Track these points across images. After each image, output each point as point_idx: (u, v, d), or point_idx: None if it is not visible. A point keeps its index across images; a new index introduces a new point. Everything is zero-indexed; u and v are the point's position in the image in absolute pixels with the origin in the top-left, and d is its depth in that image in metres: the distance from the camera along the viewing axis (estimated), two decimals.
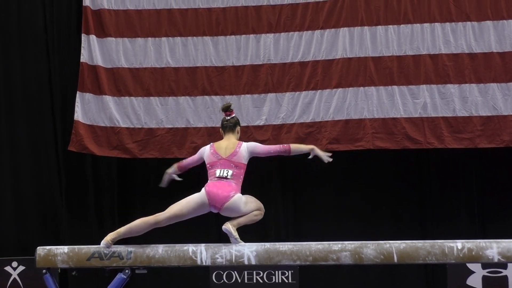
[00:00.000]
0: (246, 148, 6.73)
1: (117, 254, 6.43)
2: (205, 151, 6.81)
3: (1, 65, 11.08)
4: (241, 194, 6.61)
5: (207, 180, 6.72)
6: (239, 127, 6.94)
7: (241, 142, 6.79)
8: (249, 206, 6.61)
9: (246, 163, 6.73)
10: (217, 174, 6.63)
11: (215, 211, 6.62)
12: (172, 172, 7.02)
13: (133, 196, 11.13)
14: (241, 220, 6.57)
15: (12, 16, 11.10)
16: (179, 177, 7.04)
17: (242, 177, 6.71)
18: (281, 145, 6.79)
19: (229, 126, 6.89)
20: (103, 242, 6.49)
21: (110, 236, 6.51)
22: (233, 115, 6.97)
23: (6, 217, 11.03)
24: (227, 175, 6.62)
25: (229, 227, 6.47)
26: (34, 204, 11.06)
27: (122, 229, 6.57)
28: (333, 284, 10.66)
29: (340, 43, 10.22)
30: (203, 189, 6.60)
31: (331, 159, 6.75)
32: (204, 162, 6.82)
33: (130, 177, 11.15)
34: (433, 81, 10.07)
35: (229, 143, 6.78)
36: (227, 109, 6.97)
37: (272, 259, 6.34)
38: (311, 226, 10.72)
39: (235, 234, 6.46)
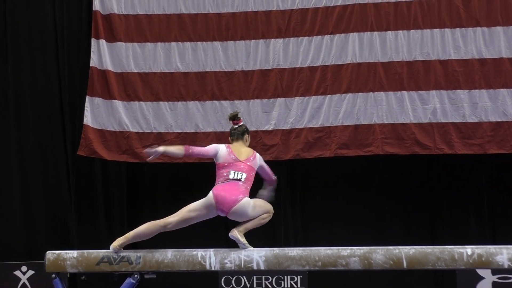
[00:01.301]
0: (259, 158, 6.85)
1: (126, 259, 6.43)
2: (221, 150, 6.78)
3: (11, 69, 11.10)
4: (249, 198, 6.60)
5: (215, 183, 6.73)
6: (247, 135, 6.96)
7: (255, 152, 6.89)
8: (257, 210, 6.60)
9: (256, 170, 6.81)
10: (231, 176, 6.62)
11: (222, 214, 6.61)
12: (169, 153, 6.85)
13: (142, 200, 11.14)
14: (248, 225, 6.56)
15: (21, 21, 11.12)
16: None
17: (252, 183, 6.73)
18: (273, 175, 7.08)
19: (237, 134, 6.92)
20: (111, 247, 6.49)
21: (118, 242, 6.51)
22: (241, 123, 6.99)
23: (15, 222, 11.04)
24: (241, 178, 6.62)
25: (236, 234, 6.45)
26: (43, 209, 11.07)
27: (130, 234, 6.57)
28: None
29: (349, 48, 10.22)
30: (210, 193, 6.59)
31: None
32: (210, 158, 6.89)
33: (139, 181, 11.16)
34: (442, 86, 10.06)
35: (244, 149, 6.83)
36: (234, 118, 7.00)
37: (281, 264, 6.33)
38: (320, 232, 10.70)
39: (243, 240, 6.45)
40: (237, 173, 6.63)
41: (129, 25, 10.54)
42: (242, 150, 6.79)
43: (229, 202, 6.51)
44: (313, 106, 10.24)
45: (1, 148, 11.12)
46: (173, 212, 6.57)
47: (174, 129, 10.42)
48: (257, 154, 6.85)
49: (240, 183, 6.60)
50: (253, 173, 6.74)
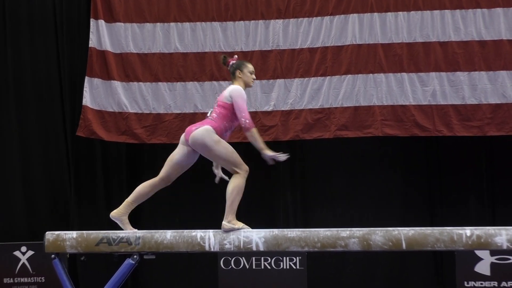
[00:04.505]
0: (230, 90, 6.65)
1: (126, 240, 6.44)
2: None
3: (10, 51, 11.06)
4: (210, 127, 6.53)
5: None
6: (238, 71, 6.78)
7: (232, 85, 6.71)
8: (221, 150, 6.52)
9: (228, 102, 6.61)
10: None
11: (190, 147, 6.61)
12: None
13: (141, 181, 11.09)
14: (232, 207, 6.43)
15: (21, 1, 11.08)
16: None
17: (227, 117, 6.60)
18: (247, 121, 6.54)
19: (231, 75, 6.85)
20: (118, 222, 6.59)
21: (120, 213, 6.65)
22: (231, 62, 6.88)
23: (15, 203, 11.05)
24: (209, 114, 6.67)
25: (228, 226, 6.36)
26: (43, 190, 11.08)
27: (129, 199, 6.69)
28: (341, 270, 10.67)
29: (349, 29, 10.18)
30: None
31: (281, 158, 6.46)
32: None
33: (138, 162, 11.15)
34: (442, 68, 10.04)
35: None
36: (224, 62, 6.95)
37: (280, 245, 6.33)
38: (319, 214, 10.72)
39: (238, 226, 6.38)
40: (210, 111, 6.72)
41: (128, 5, 10.50)
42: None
43: (189, 131, 6.56)
44: (312, 87, 10.22)
45: (1, 129, 11.11)
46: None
47: (173, 109, 10.40)
48: (230, 87, 6.68)
49: (210, 118, 6.62)
50: (225, 106, 6.59)
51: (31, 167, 11.09)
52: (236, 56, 7.03)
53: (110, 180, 11.07)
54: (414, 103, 10.05)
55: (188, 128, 6.63)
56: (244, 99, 6.60)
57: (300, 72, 10.26)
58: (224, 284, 10.10)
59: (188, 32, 10.44)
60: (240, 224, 6.40)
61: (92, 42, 10.41)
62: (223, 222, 6.40)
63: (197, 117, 10.29)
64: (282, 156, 6.45)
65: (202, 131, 6.51)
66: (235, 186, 6.45)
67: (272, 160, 6.47)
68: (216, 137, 6.52)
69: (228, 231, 6.37)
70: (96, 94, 10.40)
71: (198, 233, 6.41)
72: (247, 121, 6.53)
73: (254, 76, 6.85)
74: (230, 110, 6.60)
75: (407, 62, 10.08)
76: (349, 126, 10.10)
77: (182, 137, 6.67)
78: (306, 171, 10.95)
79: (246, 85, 6.79)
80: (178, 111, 10.38)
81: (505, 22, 9.96)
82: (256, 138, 6.51)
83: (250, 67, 6.83)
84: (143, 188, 6.74)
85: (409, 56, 10.08)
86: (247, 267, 10.06)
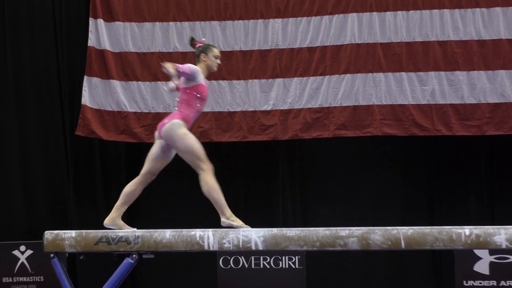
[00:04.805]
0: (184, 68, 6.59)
1: (125, 239, 6.43)
2: None
3: (10, 50, 11.06)
4: (178, 121, 6.56)
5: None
6: (203, 54, 6.75)
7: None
8: (186, 143, 6.52)
9: (186, 86, 6.59)
10: None
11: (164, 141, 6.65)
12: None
13: None
14: (220, 208, 6.47)
15: (21, 1, 11.07)
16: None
17: (189, 102, 6.61)
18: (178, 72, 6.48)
19: (196, 56, 6.81)
20: (114, 227, 6.59)
21: (112, 218, 6.65)
22: (199, 45, 6.85)
23: (15, 202, 11.05)
24: (175, 104, 6.70)
25: (226, 222, 6.41)
26: (42, 189, 11.09)
27: (118, 203, 6.69)
28: (340, 270, 10.67)
29: (348, 28, 10.18)
30: None
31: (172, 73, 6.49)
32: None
33: (137, 161, 11.12)
34: (441, 68, 10.04)
35: None
36: (191, 43, 6.93)
37: (279, 244, 6.32)
38: (319, 214, 10.72)
39: (236, 223, 6.40)
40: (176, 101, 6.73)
41: (127, 4, 10.50)
42: None
43: (160, 125, 6.61)
44: (311, 86, 10.22)
45: (1, 129, 11.12)
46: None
47: (172, 109, 10.37)
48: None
49: (175, 109, 6.67)
50: (184, 91, 6.59)
51: (31, 167, 11.10)
52: (203, 39, 7.03)
53: (109, 179, 11.07)
54: (413, 103, 10.05)
55: (160, 123, 6.68)
56: (191, 69, 6.52)
57: (299, 71, 10.26)
58: (223, 283, 10.09)
59: (187, 32, 10.43)
60: (239, 222, 6.41)
61: (91, 41, 10.41)
62: (222, 219, 6.43)
63: None
64: (173, 76, 6.52)
65: (170, 125, 6.56)
66: (209, 186, 6.48)
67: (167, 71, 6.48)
68: (184, 130, 6.56)
69: (227, 227, 6.38)
70: (95, 93, 10.40)
71: (197, 232, 6.39)
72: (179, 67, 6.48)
73: (218, 61, 6.83)
74: (190, 95, 6.59)
75: (406, 61, 10.08)
76: (348, 126, 10.10)
77: (156, 132, 6.72)
78: (305, 170, 10.95)
79: (209, 69, 6.78)
80: None
81: (504, 22, 9.96)
82: (168, 65, 6.50)
83: (215, 51, 6.82)
84: (129, 188, 6.77)
85: (408, 56, 10.08)
86: (246, 266, 10.05)
